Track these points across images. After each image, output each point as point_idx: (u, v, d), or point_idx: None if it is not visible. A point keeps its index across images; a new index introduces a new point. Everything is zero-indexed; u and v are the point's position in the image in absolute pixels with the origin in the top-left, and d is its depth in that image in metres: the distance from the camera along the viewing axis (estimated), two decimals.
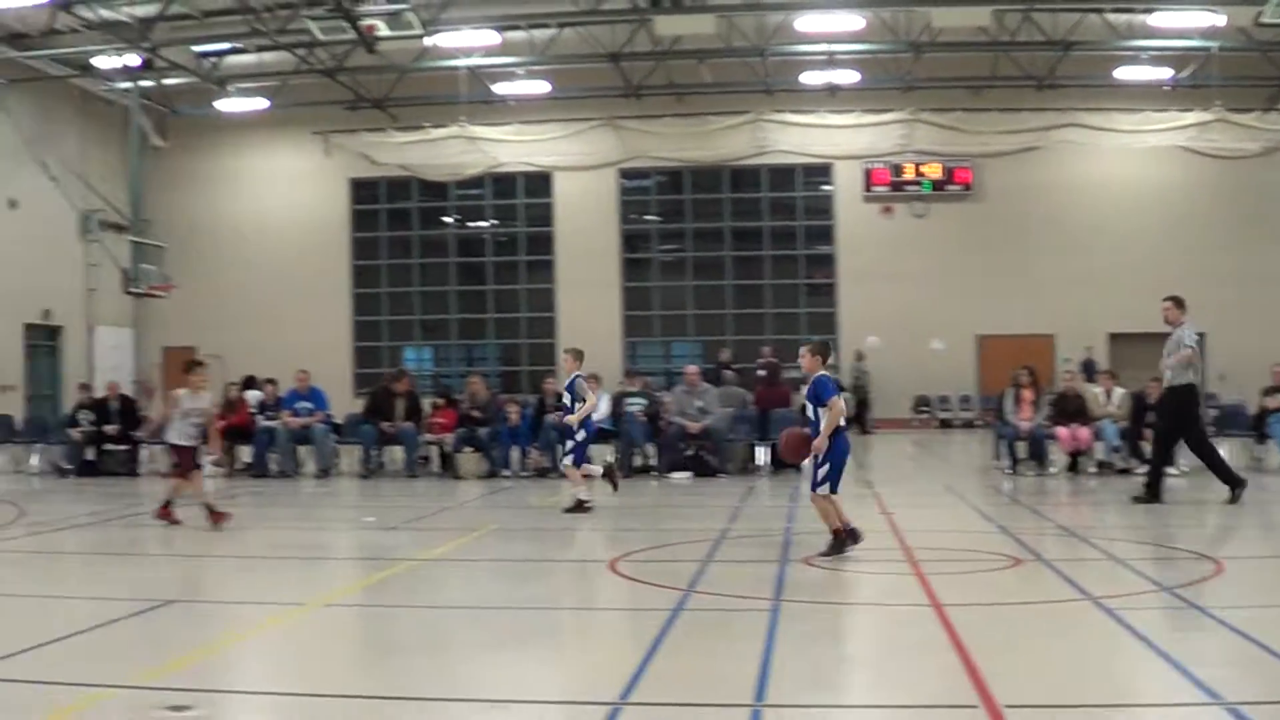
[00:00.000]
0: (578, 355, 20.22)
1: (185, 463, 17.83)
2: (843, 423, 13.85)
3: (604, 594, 12.59)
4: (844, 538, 13.61)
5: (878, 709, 8.22)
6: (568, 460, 19.81)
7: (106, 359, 44.39)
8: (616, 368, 38.42)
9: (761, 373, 31.51)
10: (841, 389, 14.24)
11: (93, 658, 9.83)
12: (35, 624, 11.05)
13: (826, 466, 13.68)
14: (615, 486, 20.14)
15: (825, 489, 13.70)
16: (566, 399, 19.91)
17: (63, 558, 16.79)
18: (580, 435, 19.66)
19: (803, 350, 14.44)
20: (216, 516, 17.39)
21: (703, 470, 24.96)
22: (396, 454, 27.36)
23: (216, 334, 44.61)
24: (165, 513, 17.63)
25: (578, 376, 19.78)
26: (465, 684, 8.89)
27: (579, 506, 19.20)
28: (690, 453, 25.13)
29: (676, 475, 24.90)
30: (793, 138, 43.71)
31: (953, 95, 42.30)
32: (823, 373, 13.98)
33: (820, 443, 13.79)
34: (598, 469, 20.07)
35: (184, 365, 18.62)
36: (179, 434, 17.69)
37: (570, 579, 13.86)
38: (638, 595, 12.20)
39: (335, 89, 43.68)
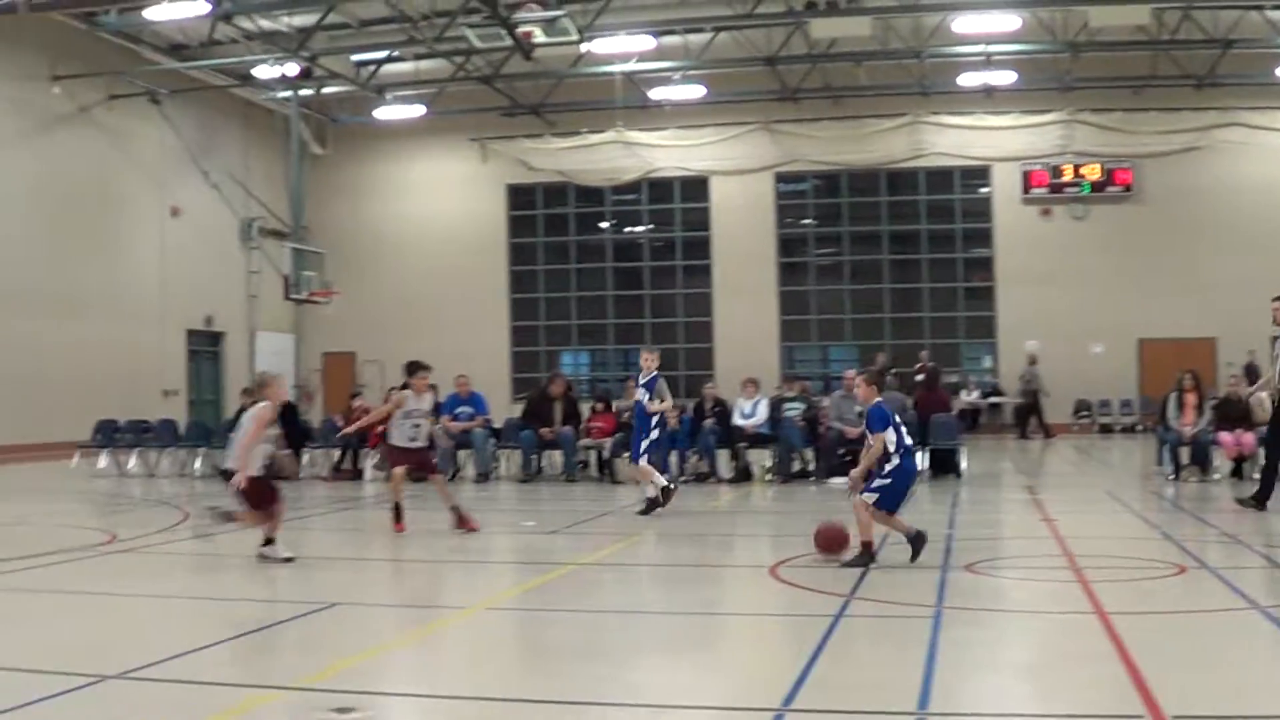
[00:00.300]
0: (658, 355, 20.67)
1: (425, 464, 17.76)
2: (893, 448, 13.75)
3: (764, 599, 12.55)
4: (873, 554, 13.42)
5: (1042, 718, 8.13)
6: (642, 461, 19.95)
7: (267, 364, 44.93)
8: (774, 372, 38.42)
9: (920, 377, 31.31)
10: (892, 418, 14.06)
11: (257, 659, 9.99)
12: (202, 625, 11.23)
13: (888, 481, 13.56)
14: (658, 506, 19.93)
15: (873, 498, 13.55)
16: (644, 396, 20.03)
17: (227, 560, 17.03)
18: (655, 434, 19.89)
19: (859, 379, 14.65)
20: (463, 522, 17.25)
21: None
22: (555, 458, 27.48)
23: (376, 340, 45.17)
24: (463, 521, 17.27)
25: (658, 376, 19.93)
26: (626, 689, 8.90)
27: (654, 504, 19.46)
28: (849, 458, 24.99)
29: (835, 481, 24.79)
30: (950, 140, 43.38)
31: (1112, 95, 41.76)
32: (878, 401, 13.91)
33: (859, 474, 13.96)
34: (663, 480, 20.06)
35: (407, 367, 18.66)
36: (400, 436, 17.71)
37: (730, 584, 13.83)
38: (798, 601, 12.15)
39: (492, 96, 44.02)
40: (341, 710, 8.06)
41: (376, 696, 8.71)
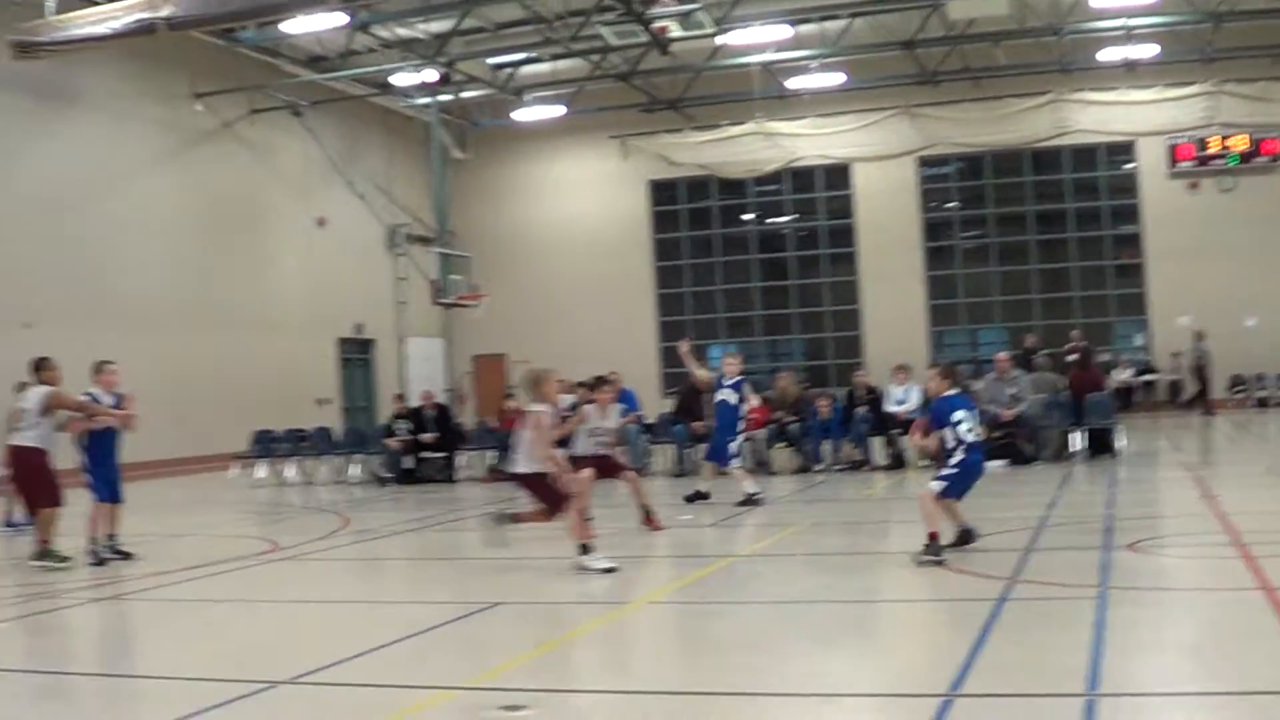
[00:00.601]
0: (741, 358, 21.42)
1: (606, 468, 17.31)
2: (953, 444, 13.55)
3: (925, 585, 12.50)
4: (939, 543, 13.23)
5: (1211, 695, 8.03)
6: (734, 465, 20.45)
7: (418, 369, 45.46)
8: (923, 358, 38.23)
9: (1073, 357, 31.03)
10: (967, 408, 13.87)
11: (425, 660, 10.11)
12: (368, 629, 11.39)
13: (955, 472, 13.41)
14: (756, 501, 20.00)
15: (940, 487, 13.36)
16: (733, 396, 20.26)
17: (388, 564, 17.24)
18: (741, 436, 20.42)
19: (931, 371, 14.33)
20: (652, 522, 17.21)
21: (1017, 458, 24.67)
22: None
23: (524, 340, 45.37)
24: (652, 522, 17.19)
25: (744, 379, 20.20)
26: (792, 679, 8.93)
27: (750, 500, 19.54)
28: (1004, 441, 24.83)
29: (991, 464, 24.60)
30: (1093, 116, 42.93)
31: (1256, 64, 41.04)
32: (950, 393, 13.74)
33: (926, 446, 13.98)
34: (754, 487, 20.29)
35: (591, 381, 18.76)
36: (584, 447, 17.64)
37: (889, 571, 13.75)
38: (959, 586, 12.10)
39: (630, 92, 44.14)
40: (511, 708, 8.15)
41: (545, 694, 8.79)
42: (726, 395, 20.32)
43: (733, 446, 20.37)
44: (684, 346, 22.26)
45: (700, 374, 21.80)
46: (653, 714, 8.35)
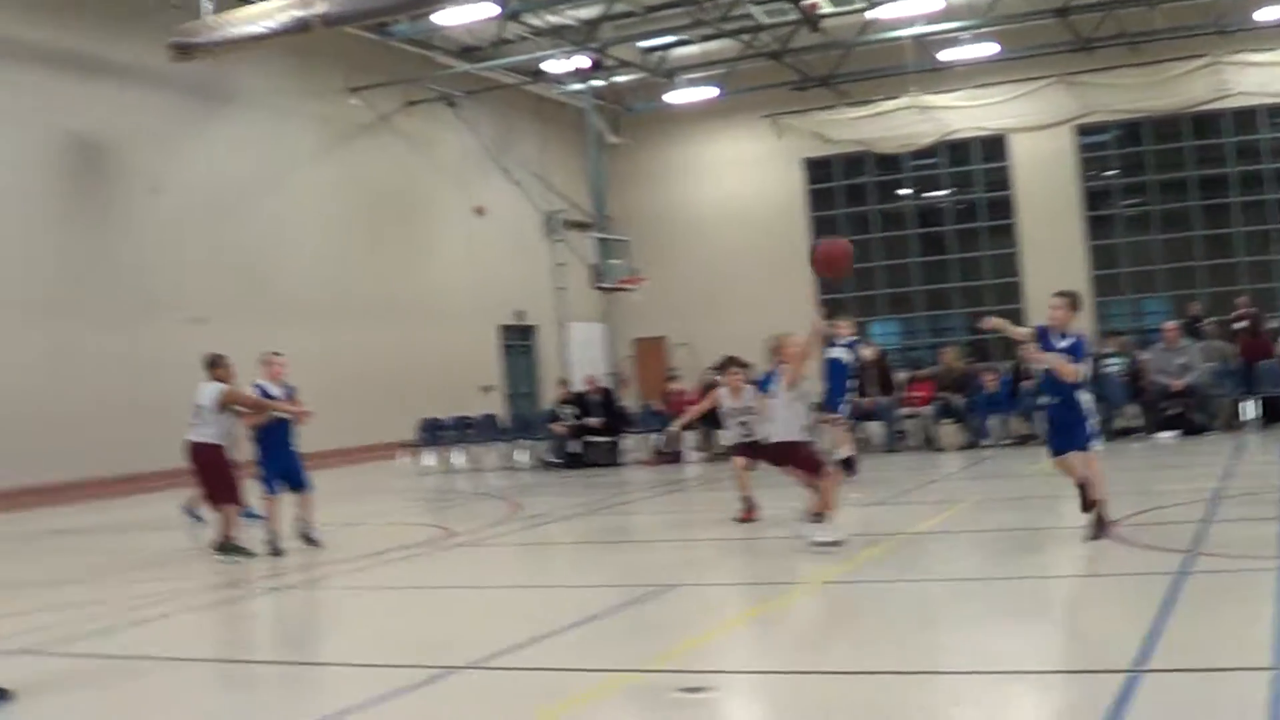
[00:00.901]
0: (853, 322, 22.16)
1: (792, 459, 15.52)
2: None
3: (1101, 560, 12.34)
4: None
5: None
6: (842, 413, 20.68)
7: (580, 354, 45.61)
8: (1089, 329, 37.76)
9: (1242, 324, 30.52)
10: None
11: (601, 644, 10.15)
12: (543, 613, 11.46)
13: (1095, 419, 13.07)
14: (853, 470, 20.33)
15: (1100, 447, 13.00)
16: (846, 355, 20.61)
17: (559, 548, 17.33)
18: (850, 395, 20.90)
19: (1059, 302, 13.52)
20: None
21: (1189, 428, 24.33)
22: (876, 429, 27.44)
23: (683, 322, 45.47)
24: (748, 516, 16.77)
25: (858, 340, 20.82)
26: (970, 657, 8.88)
27: (850, 463, 20.02)
28: (1175, 411, 24.49)
29: (1163, 435, 24.34)
30: (1253, 78, 42.04)
31: None
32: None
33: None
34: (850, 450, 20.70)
35: (719, 363, 18.74)
36: (732, 436, 17.60)
37: (1063, 547, 13.56)
38: (1137, 560, 11.96)
39: (781, 71, 43.92)
40: (691, 690, 8.16)
41: (724, 675, 8.80)
42: (840, 353, 20.26)
43: (842, 406, 20.30)
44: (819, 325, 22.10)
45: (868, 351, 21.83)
46: (831, 694, 8.34)
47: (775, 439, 14.04)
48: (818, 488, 13.79)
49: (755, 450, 16.14)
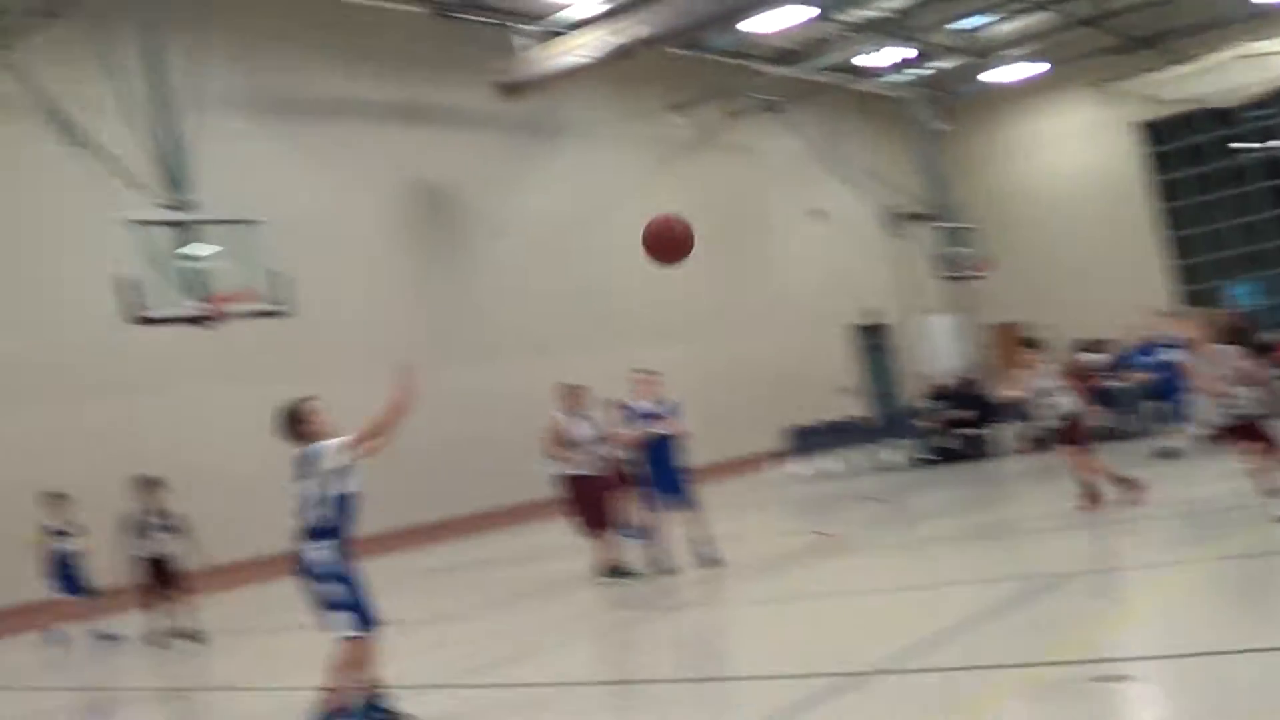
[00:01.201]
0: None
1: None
2: None
3: None
4: None
5: None
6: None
7: (937, 346, 45.21)
8: None
9: None
10: None
11: (1003, 639, 10.08)
12: (939, 611, 11.40)
13: None
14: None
15: None
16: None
17: (944, 545, 17.23)
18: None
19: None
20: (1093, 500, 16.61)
21: None
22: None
23: (1036, 305, 44.65)
24: (1090, 503, 16.54)
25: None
26: None
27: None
28: None
29: None
30: None
31: None
32: None
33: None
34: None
35: (1019, 342, 18.47)
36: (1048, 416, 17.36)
37: None
38: None
39: (1102, 36, 43.03)
40: (1110, 679, 8.00)
41: (1142, 661, 8.63)
42: (1172, 355, 19.66)
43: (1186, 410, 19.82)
44: None
45: None
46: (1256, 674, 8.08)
47: (1250, 411, 13.72)
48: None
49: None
